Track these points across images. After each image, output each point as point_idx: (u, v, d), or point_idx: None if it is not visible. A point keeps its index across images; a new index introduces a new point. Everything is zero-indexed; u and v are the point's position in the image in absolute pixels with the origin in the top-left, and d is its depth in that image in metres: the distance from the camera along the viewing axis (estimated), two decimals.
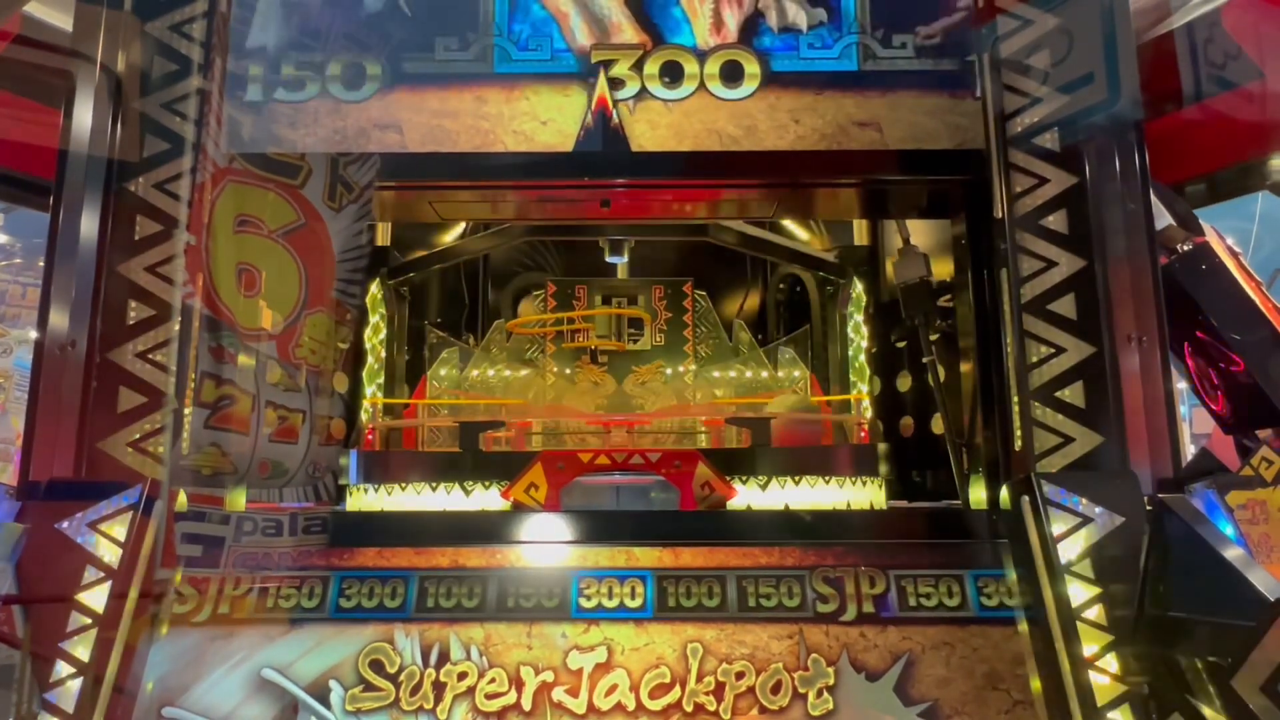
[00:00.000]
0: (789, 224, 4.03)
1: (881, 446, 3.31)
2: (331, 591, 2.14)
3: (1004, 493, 2.32)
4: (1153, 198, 2.42)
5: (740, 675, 2.03)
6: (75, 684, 1.91)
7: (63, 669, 1.92)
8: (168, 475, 2.18)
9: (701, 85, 2.53)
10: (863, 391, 3.58)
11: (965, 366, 2.64)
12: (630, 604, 2.12)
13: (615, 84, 2.51)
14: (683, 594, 2.14)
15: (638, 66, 2.53)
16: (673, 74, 2.53)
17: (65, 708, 1.89)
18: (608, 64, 2.53)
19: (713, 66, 2.54)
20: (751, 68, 2.54)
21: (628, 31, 2.58)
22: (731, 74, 2.53)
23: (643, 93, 2.52)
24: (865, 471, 3.13)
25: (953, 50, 2.53)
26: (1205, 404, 2.95)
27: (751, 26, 2.59)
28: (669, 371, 3.53)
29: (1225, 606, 1.85)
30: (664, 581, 2.16)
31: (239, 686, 2.01)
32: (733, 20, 2.58)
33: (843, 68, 2.54)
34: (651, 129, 2.52)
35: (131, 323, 2.26)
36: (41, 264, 2.38)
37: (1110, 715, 1.88)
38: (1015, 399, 2.30)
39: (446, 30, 2.56)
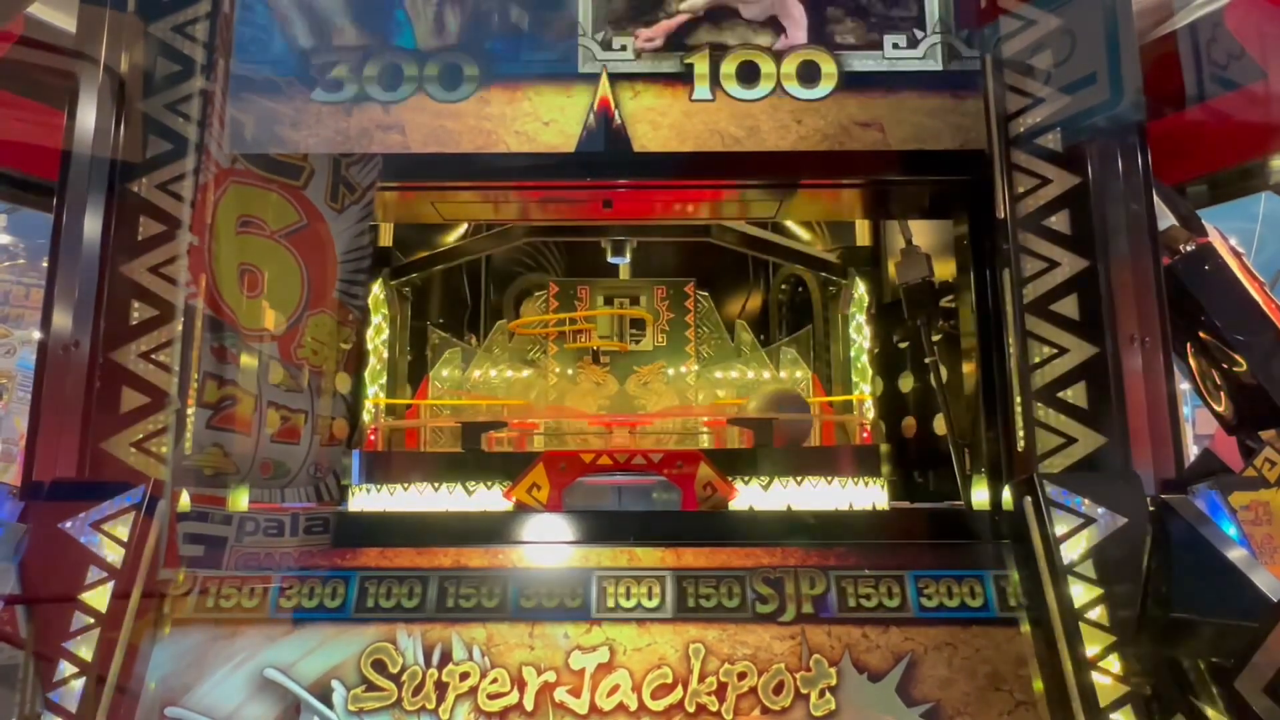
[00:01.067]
0: (791, 224, 4.03)
1: (884, 447, 3.31)
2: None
3: (1006, 493, 2.32)
4: (1155, 198, 2.42)
5: (742, 676, 2.03)
6: (78, 684, 1.91)
7: (65, 669, 1.92)
8: (171, 475, 2.18)
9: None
10: (865, 392, 3.58)
11: (967, 367, 2.64)
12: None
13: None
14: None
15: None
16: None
17: (68, 707, 1.89)
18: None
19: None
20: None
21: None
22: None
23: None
24: (867, 472, 3.13)
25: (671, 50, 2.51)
26: (1208, 405, 2.95)
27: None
28: (671, 372, 3.53)
29: (1228, 607, 1.85)
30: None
31: (241, 686, 2.01)
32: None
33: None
34: (653, 129, 2.52)
35: (134, 323, 2.26)
36: (45, 265, 2.38)
37: (1113, 716, 1.87)
38: (1018, 399, 2.30)
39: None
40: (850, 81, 2.53)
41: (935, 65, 2.54)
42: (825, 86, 2.52)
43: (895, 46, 2.56)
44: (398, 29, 2.59)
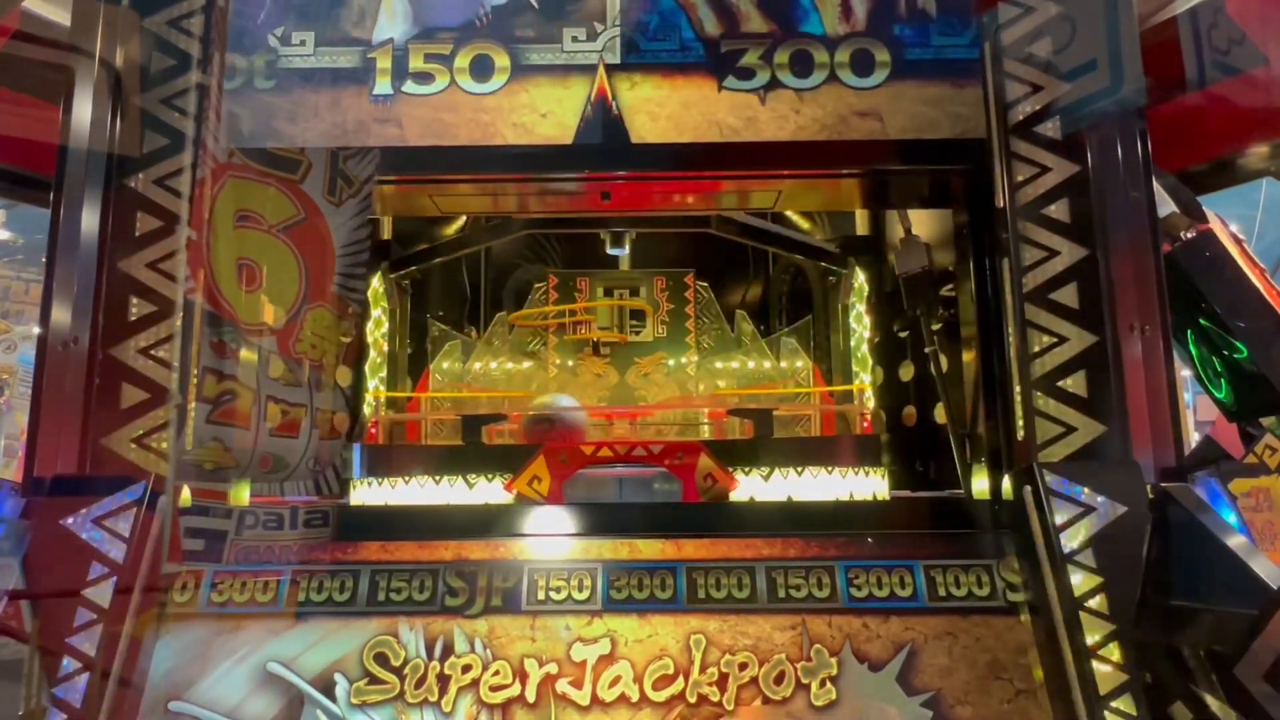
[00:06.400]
0: (790, 214, 4.02)
1: (884, 436, 3.31)
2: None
3: (1006, 482, 2.32)
4: (1155, 185, 2.41)
5: (743, 666, 2.04)
6: (82, 679, 1.92)
7: (69, 664, 1.93)
8: (172, 471, 2.19)
9: (833, 74, 2.48)
10: (865, 382, 3.58)
11: (967, 356, 2.64)
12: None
13: (744, 74, 2.48)
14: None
15: (767, 57, 2.50)
16: (804, 64, 2.49)
17: (73, 702, 1.90)
18: (737, 54, 2.49)
19: (843, 55, 2.49)
20: (882, 55, 2.49)
21: (755, 20, 2.53)
22: (863, 63, 2.48)
23: (773, 82, 2.48)
24: (868, 462, 3.13)
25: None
26: (1209, 391, 2.95)
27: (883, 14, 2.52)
28: (671, 363, 3.53)
29: (1228, 595, 1.86)
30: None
31: (245, 680, 2.02)
32: (862, 9, 2.52)
33: (970, 55, 2.47)
34: (651, 120, 2.51)
35: (133, 319, 2.26)
36: (44, 260, 2.38)
37: (1113, 704, 1.88)
38: (1017, 388, 2.30)
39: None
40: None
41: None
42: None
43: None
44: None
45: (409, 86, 2.50)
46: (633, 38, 2.52)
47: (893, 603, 2.12)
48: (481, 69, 2.51)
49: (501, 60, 2.51)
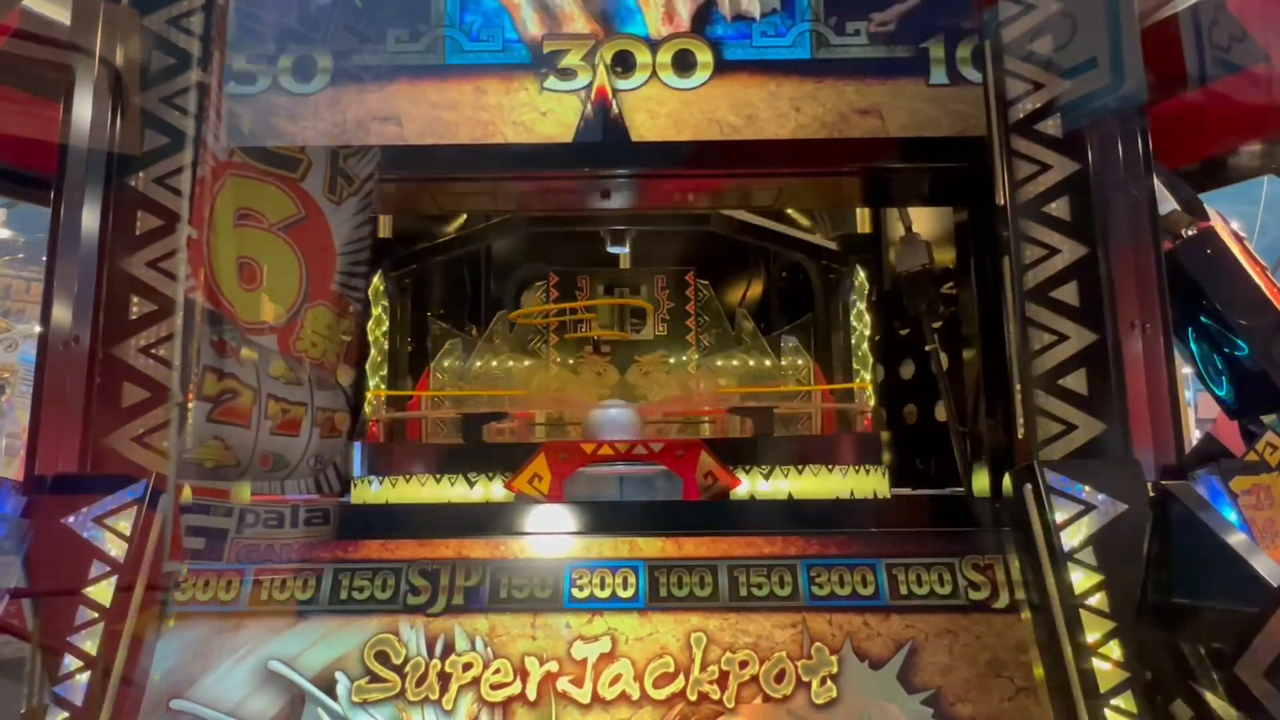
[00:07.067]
0: (791, 212, 4.02)
1: (885, 434, 3.31)
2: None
3: (1006, 480, 2.32)
4: (1156, 183, 2.41)
5: (744, 664, 2.04)
6: (83, 677, 1.92)
7: (71, 662, 1.93)
8: (173, 469, 2.19)
9: (654, 74, 2.51)
10: (866, 380, 3.58)
11: (968, 354, 2.64)
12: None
13: (566, 74, 2.50)
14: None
15: (589, 57, 2.51)
16: (625, 63, 2.51)
17: (74, 700, 1.90)
18: (559, 54, 2.52)
19: (665, 56, 2.53)
20: (704, 56, 2.52)
21: (579, 21, 2.56)
22: (684, 63, 2.52)
23: (594, 82, 2.50)
24: (869, 460, 3.14)
25: (907, 37, 2.51)
26: (1210, 389, 2.95)
27: (704, 15, 2.58)
28: (672, 361, 3.53)
29: (1229, 592, 1.85)
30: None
31: (246, 678, 2.02)
32: (685, 9, 2.56)
33: (795, 55, 2.53)
34: (651, 118, 2.51)
35: (134, 318, 2.26)
36: (44, 259, 2.38)
37: (1113, 702, 1.88)
38: (1018, 386, 2.30)
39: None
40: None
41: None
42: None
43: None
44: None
45: None
46: (456, 38, 2.53)
47: (893, 600, 2.12)
48: (304, 69, 2.53)
49: (324, 62, 2.52)
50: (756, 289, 4.27)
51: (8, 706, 1.90)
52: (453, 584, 2.14)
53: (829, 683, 2.01)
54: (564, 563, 2.19)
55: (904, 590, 2.13)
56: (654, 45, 2.54)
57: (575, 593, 2.14)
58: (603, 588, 2.14)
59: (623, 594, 2.13)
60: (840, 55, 2.52)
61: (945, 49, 2.52)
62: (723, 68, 2.52)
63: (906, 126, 2.49)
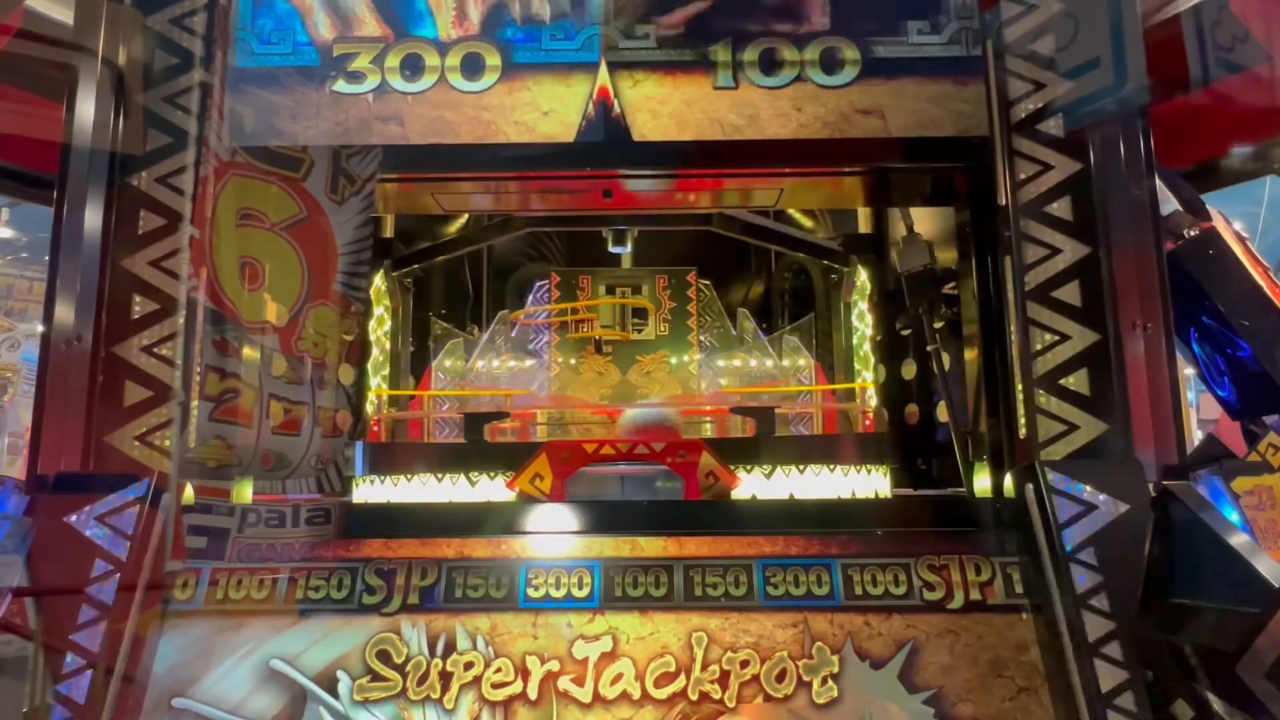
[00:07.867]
0: (793, 212, 4.02)
1: (886, 434, 3.31)
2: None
3: (1008, 480, 2.32)
4: (1158, 183, 2.40)
5: (745, 664, 2.04)
6: (86, 675, 1.92)
7: (73, 660, 1.94)
8: (175, 468, 2.19)
9: (442, 78, 2.51)
10: (867, 380, 3.58)
11: (969, 354, 2.64)
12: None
13: (355, 78, 2.51)
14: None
15: (379, 60, 2.52)
16: (414, 67, 2.52)
17: (77, 698, 1.91)
18: (349, 57, 2.52)
19: (454, 59, 2.53)
20: (493, 59, 2.53)
21: (371, 24, 2.56)
22: (472, 66, 2.52)
23: (383, 85, 2.50)
24: (870, 459, 3.14)
25: (694, 40, 2.52)
26: (1212, 390, 2.94)
27: (496, 18, 2.58)
28: (673, 361, 3.53)
29: (1230, 593, 1.85)
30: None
31: (248, 677, 2.02)
32: (475, 14, 2.57)
33: (584, 59, 2.53)
34: (653, 118, 2.51)
35: (136, 317, 2.27)
36: (47, 258, 2.38)
37: (1114, 702, 1.88)
38: (1019, 387, 2.30)
39: None
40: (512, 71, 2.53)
41: (960, 50, 2.50)
42: (849, 73, 2.50)
43: (919, 33, 2.53)
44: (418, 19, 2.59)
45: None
46: (248, 41, 2.53)
47: (894, 600, 2.12)
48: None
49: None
50: (758, 289, 4.27)
51: (11, 705, 1.91)
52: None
53: (830, 682, 2.01)
54: (566, 562, 2.19)
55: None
56: (443, 48, 2.54)
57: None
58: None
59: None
60: (629, 58, 2.52)
61: (731, 53, 2.52)
62: (512, 71, 2.53)
63: (908, 126, 2.49)
